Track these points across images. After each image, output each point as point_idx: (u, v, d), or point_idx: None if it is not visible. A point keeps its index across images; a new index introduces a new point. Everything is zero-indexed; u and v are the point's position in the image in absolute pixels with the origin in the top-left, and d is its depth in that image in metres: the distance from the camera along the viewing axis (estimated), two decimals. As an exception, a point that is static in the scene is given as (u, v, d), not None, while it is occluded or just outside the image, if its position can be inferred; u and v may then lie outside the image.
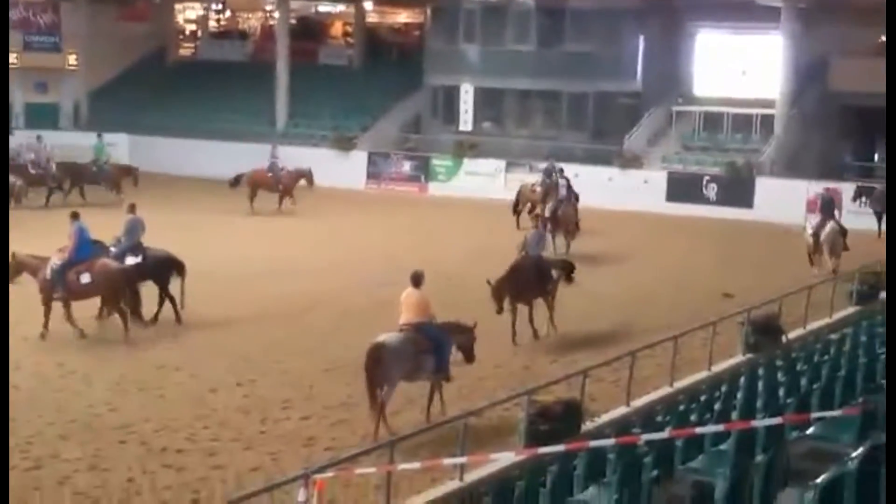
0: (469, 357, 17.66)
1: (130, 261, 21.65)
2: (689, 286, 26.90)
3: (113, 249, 21.88)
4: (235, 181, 36.94)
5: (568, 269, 22.44)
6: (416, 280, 17.04)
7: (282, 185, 36.90)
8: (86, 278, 20.45)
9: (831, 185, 36.98)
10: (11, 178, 34.94)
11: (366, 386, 16.06)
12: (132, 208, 22.94)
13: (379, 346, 16.21)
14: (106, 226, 23.03)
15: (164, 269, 22.03)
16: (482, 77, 45.24)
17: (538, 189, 33.83)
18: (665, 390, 17.38)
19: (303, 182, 37.76)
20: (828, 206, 29.37)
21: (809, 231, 28.45)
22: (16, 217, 29.60)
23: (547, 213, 30.53)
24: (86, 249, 21.01)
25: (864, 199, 35.62)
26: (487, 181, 41.53)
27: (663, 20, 44.23)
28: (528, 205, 33.93)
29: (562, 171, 33.90)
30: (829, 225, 28.07)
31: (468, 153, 42.93)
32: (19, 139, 40.17)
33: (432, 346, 16.69)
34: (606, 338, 21.59)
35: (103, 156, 38.42)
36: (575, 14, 44.35)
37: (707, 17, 43.29)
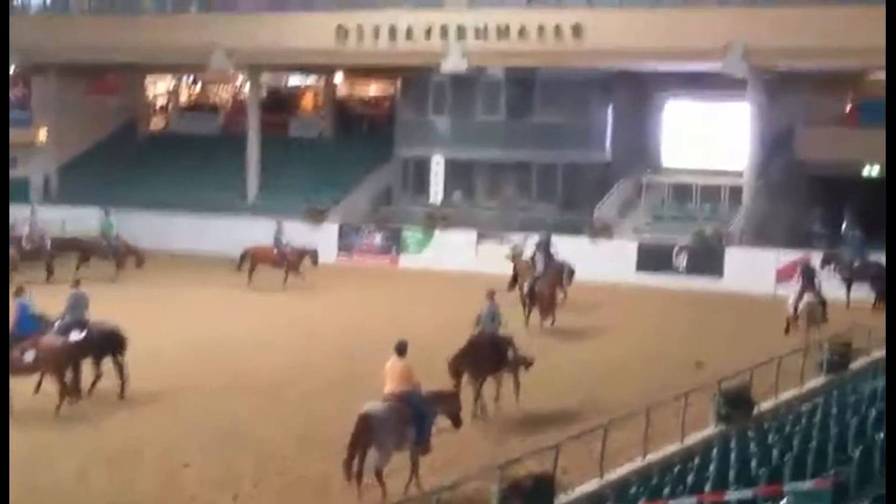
0: (456, 422, 17.96)
1: (74, 336, 21.62)
2: (661, 356, 26.94)
3: (57, 324, 21.89)
4: (242, 260, 36.77)
5: (524, 363, 22.08)
6: (401, 349, 17.31)
7: (286, 262, 36.73)
8: (30, 356, 20.35)
9: (800, 253, 37.15)
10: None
11: (346, 454, 16.21)
12: (76, 284, 23.12)
13: (366, 417, 16.38)
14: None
15: (108, 344, 21.98)
16: (452, 148, 45.49)
17: (536, 264, 33.32)
18: (638, 462, 17.36)
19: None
20: (808, 276, 29.15)
21: (790, 301, 28.37)
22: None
23: (525, 289, 30.53)
24: (28, 325, 20.96)
25: (832, 266, 35.76)
26: (459, 253, 41.56)
27: (631, 91, 44.69)
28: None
29: (545, 245, 33.69)
30: (807, 296, 27.97)
31: (439, 225, 43.02)
32: (12, 213, 40.22)
33: (414, 417, 16.84)
34: (578, 410, 21.58)
35: (112, 231, 38.32)
36: (544, 86, 44.75)
37: (674, 89, 43.80)
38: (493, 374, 21.42)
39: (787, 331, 27.99)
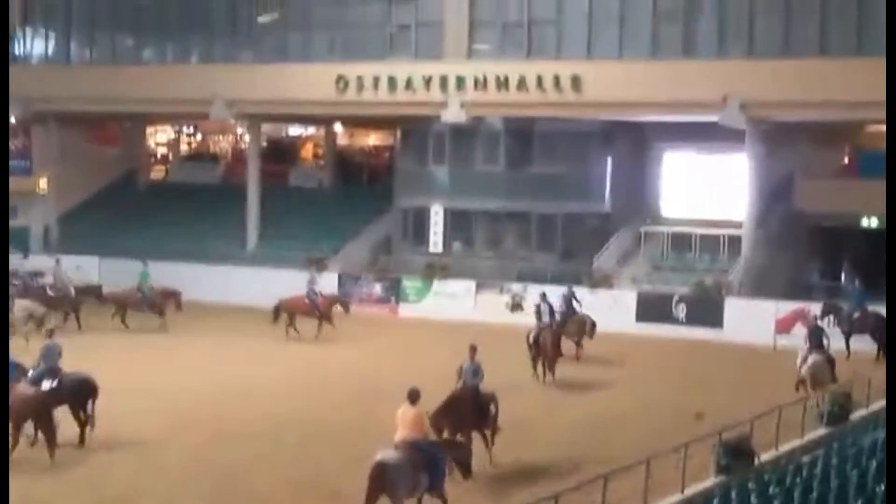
0: (466, 472, 18.15)
1: (46, 385, 21.66)
2: (661, 407, 26.87)
3: (31, 373, 21.96)
4: (276, 313, 36.72)
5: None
6: (413, 397, 17.48)
7: (318, 312, 36.72)
8: None
9: (800, 304, 37.17)
10: (31, 304, 34.31)
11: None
12: (50, 333, 23.23)
13: (381, 465, 16.54)
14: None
15: (80, 393, 21.97)
16: (452, 199, 45.57)
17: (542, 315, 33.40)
18: (638, 515, 17.27)
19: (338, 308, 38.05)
20: (816, 335, 27.90)
21: (798, 362, 27.39)
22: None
23: (529, 340, 30.27)
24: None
25: (832, 318, 35.71)
26: (458, 302, 41.57)
27: (630, 142, 44.86)
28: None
29: (569, 297, 33.94)
30: (813, 357, 26.89)
31: (438, 274, 43.03)
32: (34, 263, 40.49)
33: (427, 464, 16.96)
34: (578, 461, 21.48)
35: (147, 281, 38.34)
36: (543, 136, 44.91)
37: (673, 139, 43.93)
38: (474, 431, 20.90)
39: (797, 389, 27.38)
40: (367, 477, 16.49)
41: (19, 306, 33.43)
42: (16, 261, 39.68)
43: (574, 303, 34.37)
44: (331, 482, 19.80)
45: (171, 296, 38.31)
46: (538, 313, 31.11)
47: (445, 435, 20.13)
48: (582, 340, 33.35)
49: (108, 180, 53.91)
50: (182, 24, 48.32)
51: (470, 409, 20.78)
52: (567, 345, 32.34)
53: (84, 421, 21.89)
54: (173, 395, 26.52)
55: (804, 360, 27.03)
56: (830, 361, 27.07)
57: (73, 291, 37.72)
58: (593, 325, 33.57)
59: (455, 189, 45.56)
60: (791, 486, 16.60)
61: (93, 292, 38.52)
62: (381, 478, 16.42)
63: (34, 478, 19.58)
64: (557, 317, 32.64)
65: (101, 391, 22.17)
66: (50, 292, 37.29)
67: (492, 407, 21.38)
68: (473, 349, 22.18)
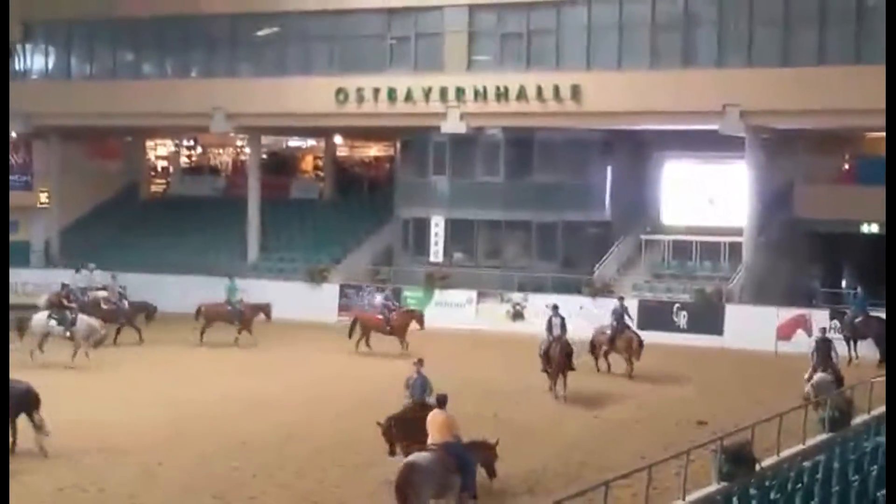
0: (491, 473, 18.52)
1: None
2: (662, 414, 26.92)
3: None
4: (352, 327, 36.72)
5: None
6: (441, 401, 18.11)
7: (390, 325, 36.35)
8: None
9: (800, 311, 37.23)
10: (89, 320, 33.80)
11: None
12: None
13: (410, 465, 16.91)
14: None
15: (22, 403, 21.98)
16: (452, 209, 45.64)
17: (607, 332, 33.23)
18: (640, 521, 17.29)
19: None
20: (824, 349, 26.96)
21: (805, 376, 26.38)
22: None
23: (539, 352, 29.77)
24: None
25: (835, 323, 35.81)
26: (459, 312, 41.65)
27: (630, 151, 44.96)
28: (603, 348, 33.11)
29: (620, 313, 33.49)
30: (819, 375, 25.86)
31: (439, 284, 43.11)
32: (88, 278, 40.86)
33: (459, 466, 17.37)
34: (580, 468, 21.52)
35: (236, 295, 38.46)
36: (543, 146, 44.99)
37: (673, 148, 44.02)
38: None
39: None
40: (396, 477, 16.83)
41: (81, 322, 33.47)
42: (67, 276, 39.96)
43: (626, 318, 33.52)
44: (335, 493, 19.86)
45: (262, 309, 38.36)
46: (549, 326, 30.31)
47: (397, 451, 19.81)
48: (631, 358, 32.45)
49: (109, 194, 54.07)
50: (181, 38, 48.45)
51: (418, 424, 19.62)
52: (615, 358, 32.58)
53: (38, 430, 21.88)
54: (176, 405, 26.60)
55: (810, 376, 26.19)
56: (838, 379, 25.91)
57: (126, 304, 38.20)
58: (640, 343, 32.54)
59: (455, 199, 45.63)
60: (792, 491, 16.63)
61: (146, 310, 38.68)
62: (410, 478, 16.74)
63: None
64: (618, 326, 32.77)
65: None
66: (104, 305, 37.61)
67: None
68: (419, 362, 21.69)
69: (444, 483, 17.14)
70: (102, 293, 38.68)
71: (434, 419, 17.84)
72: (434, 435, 17.66)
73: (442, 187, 46.19)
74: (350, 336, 36.23)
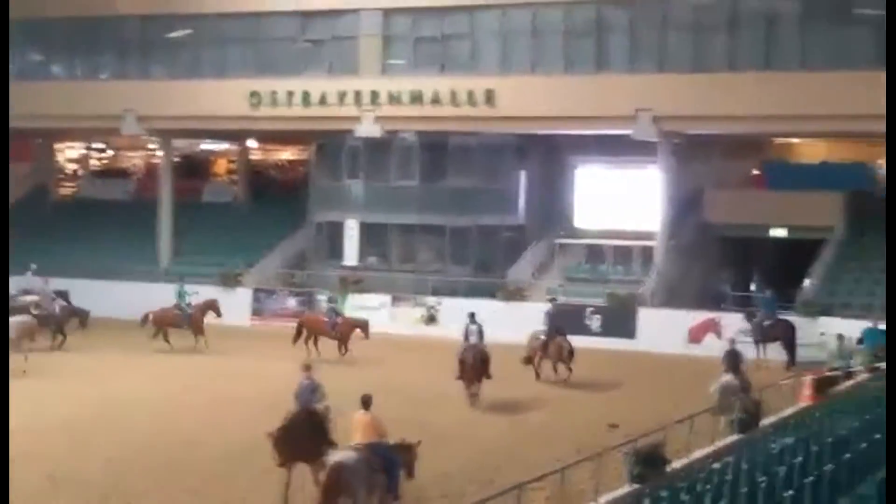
0: (410, 473, 18.41)
1: None
2: (576, 418, 27.06)
3: None
4: (297, 333, 36.04)
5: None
6: (366, 402, 18.01)
7: (338, 333, 35.93)
8: None
9: (711, 314, 37.69)
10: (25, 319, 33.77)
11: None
12: None
13: (338, 465, 16.90)
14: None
15: None
16: (367, 212, 45.58)
17: (541, 337, 32.97)
18: (552, 523, 17.39)
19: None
20: (733, 361, 26.52)
21: (712, 388, 25.71)
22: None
23: (456, 358, 29.28)
24: None
25: (748, 326, 36.28)
26: (373, 316, 41.41)
27: (544, 155, 45.27)
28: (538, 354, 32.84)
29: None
30: (725, 379, 25.68)
31: (353, 288, 43.00)
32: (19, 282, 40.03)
33: (384, 466, 17.48)
34: (494, 472, 21.55)
35: (185, 299, 38.00)
36: (457, 150, 45.13)
37: (587, 153, 44.44)
38: (313, 457, 19.17)
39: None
40: (325, 478, 16.91)
41: (13, 323, 32.85)
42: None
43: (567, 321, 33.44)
44: (246, 499, 19.71)
45: (211, 306, 38.26)
46: (466, 333, 29.98)
47: (286, 461, 19.27)
48: (557, 364, 32.40)
49: (17, 197, 53.12)
50: (92, 39, 47.86)
51: (307, 434, 19.40)
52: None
53: None
54: (87, 408, 26.26)
55: (717, 382, 25.75)
56: (746, 387, 25.42)
57: (57, 310, 37.41)
58: (571, 351, 32.37)
59: (370, 203, 45.58)
60: (702, 492, 16.81)
61: (78, 315, 38.02)
62: (339, 478, 16.76)
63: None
64: (549, 332, 32.69)
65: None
66: (33, 311, 36.35)
67: (327, 425, 19.83)
68: (307, 367, 20.91)
69: (370, 483, 17.21)
70: (32, 297, 37.84)
71: (359, 420, 17.88)
72: (358, 435, 17.71)
73: (356, 191, 46.12)
74: (294, 342, 35.62)
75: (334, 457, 17.31)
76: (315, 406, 19.80)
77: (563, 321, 34.12)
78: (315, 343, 35.73)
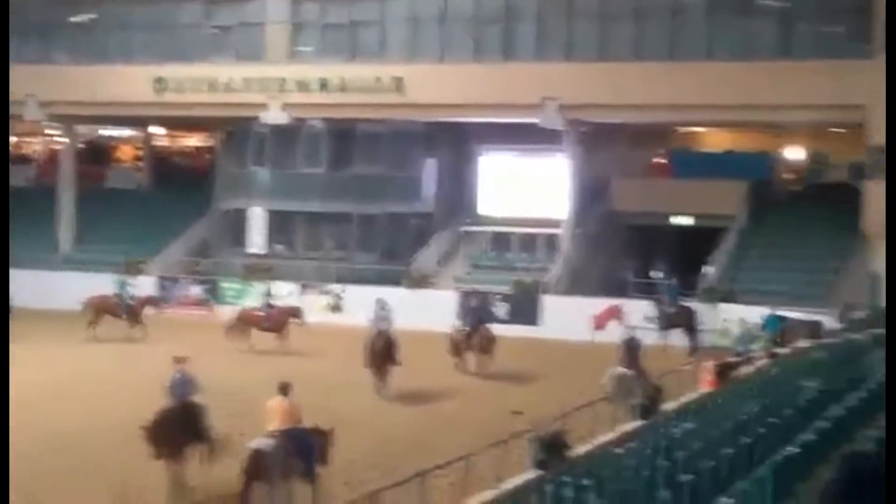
0: (323, 459, 18.53)
1: None
2: (482, 405, 27.15)
3: None
4: (232, 326, 35.70)
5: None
6: (284, 389, 18.23)
7: (272, 322, 35.71)
8: None
9: (615, 301, 37.96)
10: None
11: (241, 491, 17.05)
12: None
13: (256, 451, 17.19)
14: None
15: None
16: (273, 200, 45.33)
17: (466, 329, 32.82)
18: (455, 509, 17.43)
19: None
20: (632, 349, 26.21)
21: (605, 377, 25.49)
22: None
23: (364, 346, 29.03)
24: None
25: (653, 311, 36.69)
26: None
27: (452, 143, 45.35)
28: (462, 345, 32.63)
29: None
30: (618, 370, 25.40)
31: (257, 276, 42.65)
32: None
33: (299, 451, 17.70)
34: (398, 459, 21.54)
35: (127, 289, 37.64)
36: (365, 137, 45.05)
37: (494, 141, 44.56)
38: (188, 448, 19.21)
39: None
40: (243, 464, 17.13)
41: None
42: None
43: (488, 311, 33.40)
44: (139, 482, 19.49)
45: (150, 301, 38.24)
46: (374, 320, 29.88)
47: (162, 455, 19.02)
48: (480, 356, 32.23)
49: (-88, 183, 52.00)
50: (-8, 21, 46.92)
51: (182, 427, 19.18)
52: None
53: None
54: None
55: (609, 372, 25.53)
56: (640, 374, 25.29)
57: None
58: (491, 339, 32.30)
59: (276, 190, 45.35)
60: (603, 477, 16.96)
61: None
62: (257, 464, 17.03)
63: None
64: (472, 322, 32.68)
65: None
66: None
67: (203, 419, 19.62)
68: (179, 360, 20.29)
69: (286, 468, 17.44)
70: None
71: (277, 406, 18.05)
72: (275, 421, 17.86)
73: (262, 178, 45.85)
74: (228, 335, 35.11)
75: (252, 444, 17.49)
76: (191, 399, 19.58)
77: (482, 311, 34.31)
78: (247, 336, 35.12)
